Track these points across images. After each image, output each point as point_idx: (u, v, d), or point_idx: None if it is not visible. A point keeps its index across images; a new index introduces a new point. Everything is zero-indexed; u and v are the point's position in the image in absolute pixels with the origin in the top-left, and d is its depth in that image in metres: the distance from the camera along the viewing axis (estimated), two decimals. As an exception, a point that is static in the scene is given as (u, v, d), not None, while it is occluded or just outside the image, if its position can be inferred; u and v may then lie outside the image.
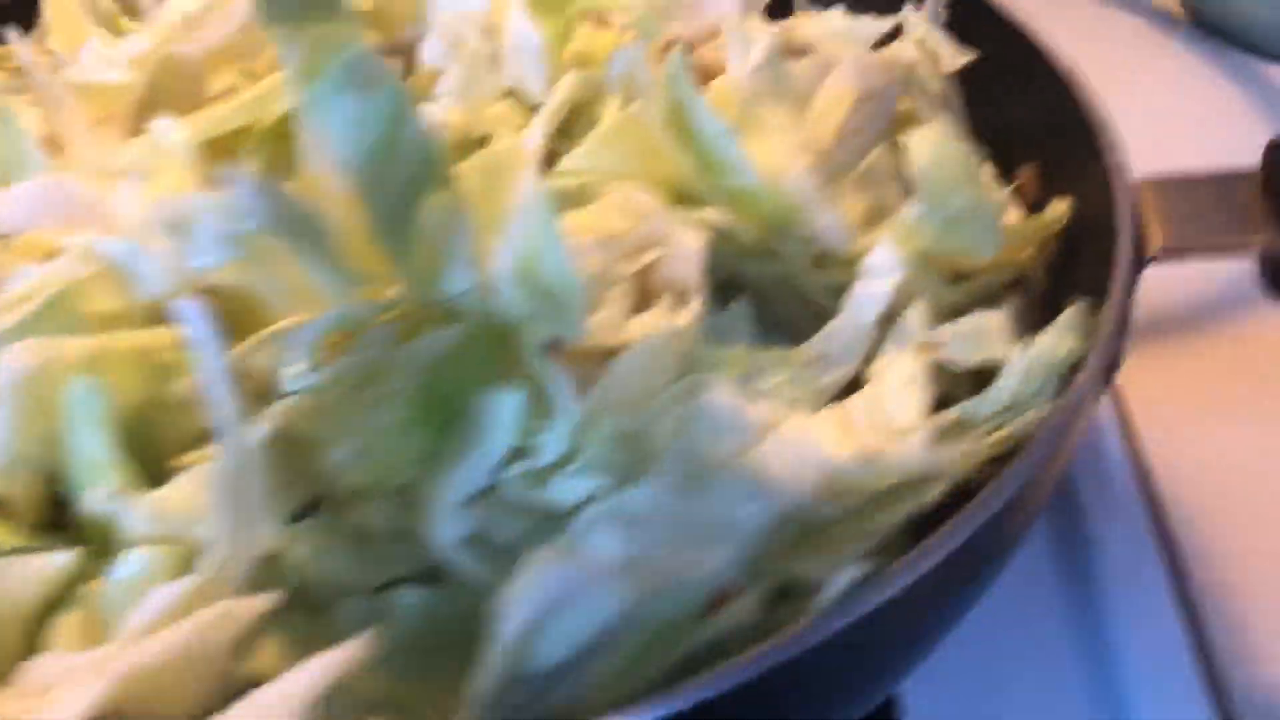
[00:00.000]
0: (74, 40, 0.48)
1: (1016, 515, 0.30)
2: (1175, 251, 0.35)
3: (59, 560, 0.28)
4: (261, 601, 0.26)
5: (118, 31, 0.49)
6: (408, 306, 0.33)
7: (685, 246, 0.35)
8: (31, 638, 0.28)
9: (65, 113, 0.39)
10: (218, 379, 0.26)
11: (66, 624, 0.28)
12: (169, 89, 0.41)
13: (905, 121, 0.45)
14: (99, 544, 0.29)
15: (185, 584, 0.26)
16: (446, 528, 0.30)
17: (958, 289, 0.37)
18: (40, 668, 0.26)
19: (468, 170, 0.34)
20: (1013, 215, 0.43)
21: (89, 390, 0.28)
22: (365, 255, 0.32)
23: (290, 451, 0.30)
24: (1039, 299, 0.40)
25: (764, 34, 0.41)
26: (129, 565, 0.27)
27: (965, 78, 0.47)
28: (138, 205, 0.32)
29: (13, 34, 0.45)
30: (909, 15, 0.46)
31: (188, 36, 0.43)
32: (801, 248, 0.37)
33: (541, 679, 0.25)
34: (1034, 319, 0.37)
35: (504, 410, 0.30)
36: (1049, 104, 0.42)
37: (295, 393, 0.29)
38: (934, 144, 0.35)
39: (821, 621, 0.26)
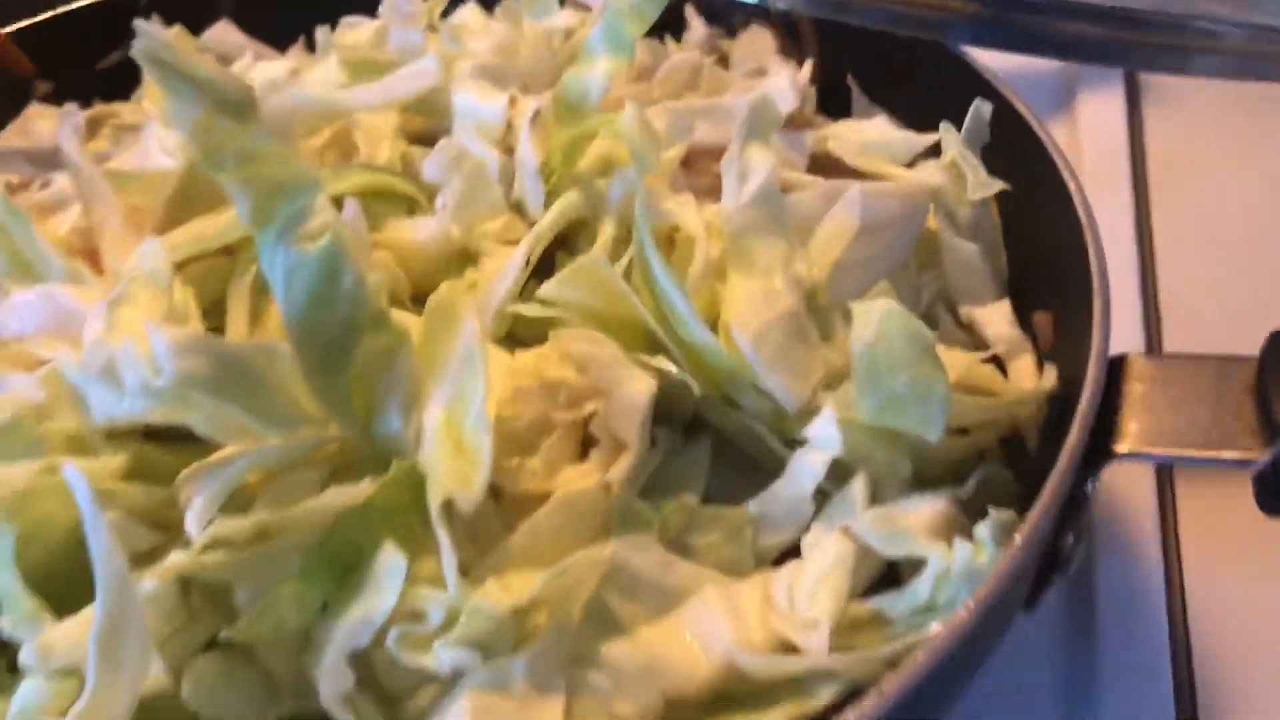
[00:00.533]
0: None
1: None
2: (1145, 454, 0.33)
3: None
4: None
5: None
6: (339, 448, 0.34)
7: (629, 398, 0.35)
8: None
9: (99, 203, 0.42)
10: (100, 536, 0.28)
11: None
12: (201, 184, 0.43)
13: (933, 247, 0.43)
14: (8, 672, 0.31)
15: None
16: (329, 681, 0.31)
17: (920, 457, 0.36)
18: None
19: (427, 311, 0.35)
20: (1024, 361, 0.41)
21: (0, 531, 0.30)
22: (304, 398, 0.34)
23: (194, 592, 0.32)
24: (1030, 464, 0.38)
25: (763, 160, 0.40)
26: (22, 696, 0.30)
27: (1004, 205, 0.44)
28: (98, 332, 0.34)
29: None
30: (947, 133, 0.44)
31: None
32: (760, 401, 0.37)
33: None
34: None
35: (390, 571, 0.31)
36: (1070, 252, 0.39)
37: (201, 540, 0.31)
38: (880, 318, 0.33)
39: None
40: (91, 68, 0.58)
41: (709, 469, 0.38)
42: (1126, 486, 0.48)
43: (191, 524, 0.31)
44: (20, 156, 0.53)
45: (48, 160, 0.52)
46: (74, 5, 0.59)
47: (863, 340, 0.33)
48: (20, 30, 0.58)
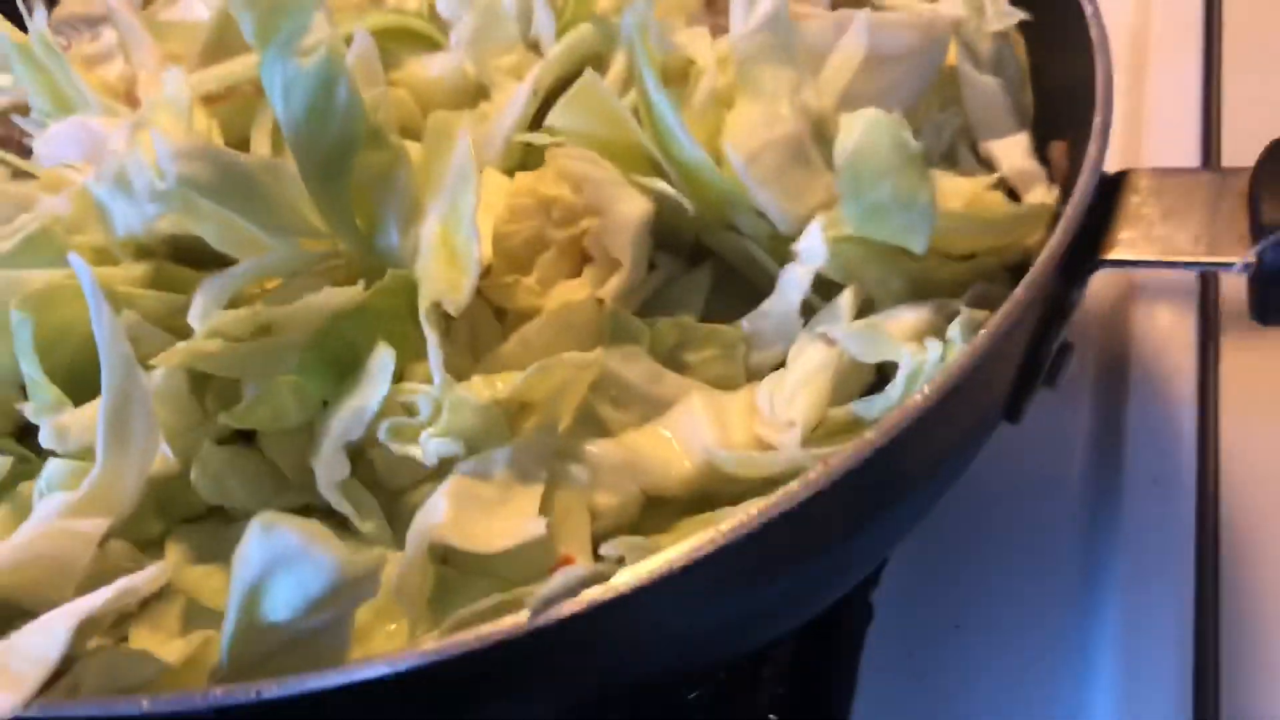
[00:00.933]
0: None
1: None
2: (1129, 260, 0.32)
3: (-2, 462, 0.33)
4: (96, 526, 0.30)
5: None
6: (345, 264, 0.36)
7: (623, 216, 0.36)
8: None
9: (139, 49, 0.44)
10: (103, 321, 0.30)
11: (2, 511, 0.33)
12: (236, 30, 0.45)
13: (952, 81, 0.43)
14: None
15: (67, 498, 0.30)
16: (325, 469, 0.33)
17: (916, 275, 0.36)
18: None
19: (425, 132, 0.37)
20: (1037, 192, 0.40)
21: (21, 321, 0.32)
22: (309, 212, 0.35)
23: (208, 391, 0.34)
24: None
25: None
26: (46, 474, 0.32)
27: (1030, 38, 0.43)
28: (121, 147, 0.36)
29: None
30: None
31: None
32: (758, 223, 0.37)
33: (282, 629, 0.28)
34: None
35: (381, 366, 0.32)
36: (1083, 77, 0.38)
37: (201, 333, 0.33)
38: (866, 126, 0.33)
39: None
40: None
41: (709, 293, 0.38)
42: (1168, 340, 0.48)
43: (194, 317, 0.33)
44: (80, 22, 0.55)
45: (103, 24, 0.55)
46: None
47: (846, 148, 0.33)
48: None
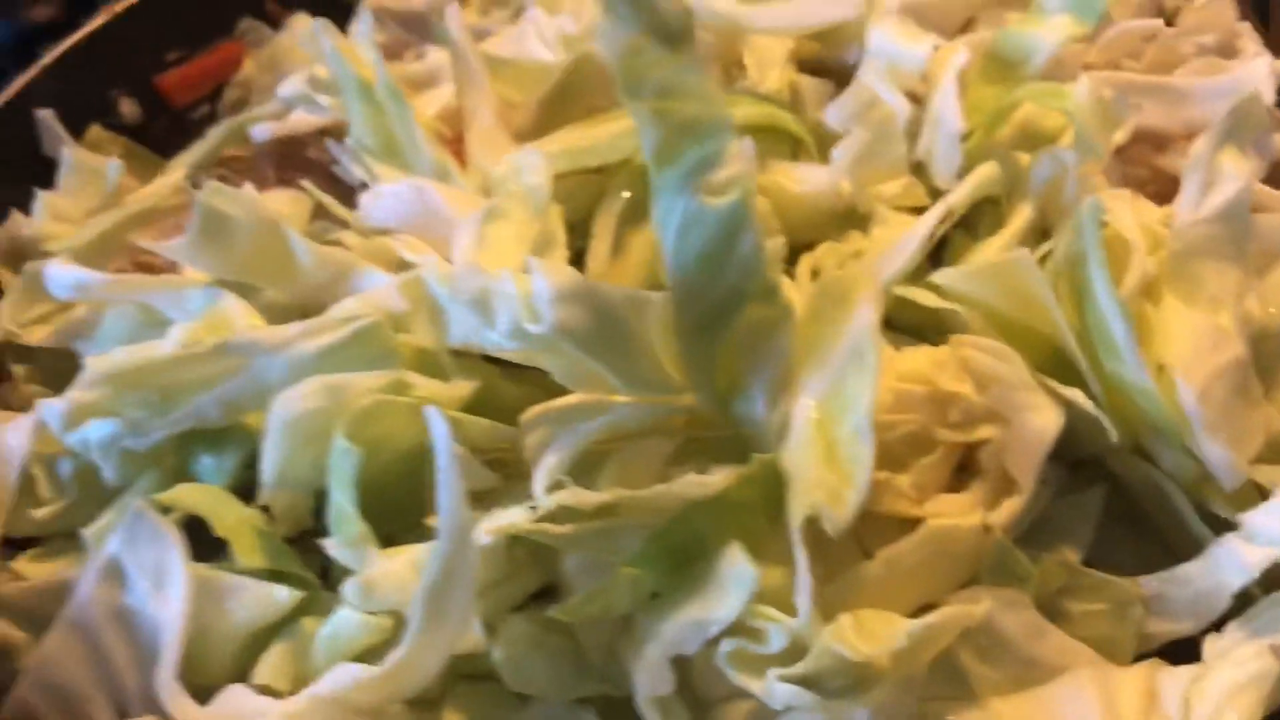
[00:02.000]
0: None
1: None
2: None
3: (282, 595, 0.29)
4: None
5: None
6: (690, 420, 0.31)
7: (1032, 432, 0.30)
8: (242, 657, 0.29)
9: (474, 91, 0.39)
10: (452, 487, 0.26)
11: (275, 653, 0.29)
12: (583, 82, 0.40)
13: None
14: (337, 576, 0.30)
15: (364, 675, 0.26)
16: (647, 681, 0.28)
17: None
18: (235, 698, 0.28)
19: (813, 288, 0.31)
20: None
21: (346, 451, 0.28)
22: (668, 360, 0.30)
23: (519, 546, 0.29)
24: None
25: (1238, 170, 0.33)
26: (334, 624, 0.28)
27: None
28: (468, 249, 0.31)
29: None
30: None
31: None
32: (1182, 459, 0.31)
33: None
34: None
35: (738, 580, 0.27)
36: None
37: (538, 505, 0.28)
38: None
39: None
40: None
41: (1098, 524, 0.32)
42: None
43: (539, 483, 0.28)
44: (392, 18, 0.51)
45: (419, 26, 0.50)
46: None
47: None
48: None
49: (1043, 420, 0.30)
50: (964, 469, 0.31)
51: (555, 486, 0.28)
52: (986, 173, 0.36)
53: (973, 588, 0.30)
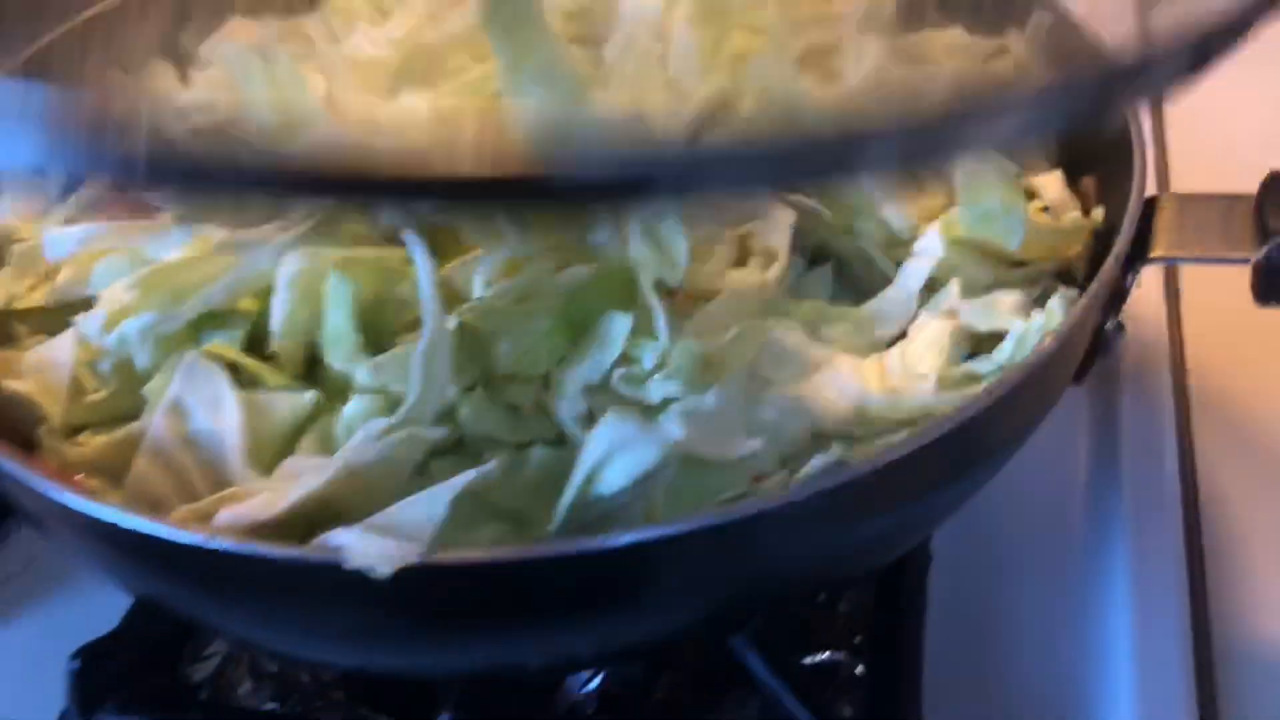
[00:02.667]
0: (349, 17, 0.62)
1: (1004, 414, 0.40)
2: (1170, 258, 0.44)
3: (307, 397, 0.41)
4: (435, 433, 0.38)
5: (383, 10, 0.63)
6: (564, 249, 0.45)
7: (776, 220, 0.46)
8: (285, 449, 0.41)
9: (339, 79, 0.53)
10: (428, 284, 0.39)
11: (307, 441, 0.41)
12: (416, 66, 0.54)
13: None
14: (335, 391, 0.42)
15: (390, 419, 0.39)
16: (568, 407, 0.42)
17: (1001, 272, 0.47)
18: (288, 465, 0.40)
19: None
20: (1070, 216, 0.52)
21: (340, 283, 0.41)
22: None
23: (470, 342, 0.42)
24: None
25: (876, 46, 0.51)
26: (353, 406, 0.41)
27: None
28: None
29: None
30: (1012, 37, 0.55)
31: (433, 26, 0.56)
32: (875, 228, 0.48)
33: (604, 502, 0.37)
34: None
35: (617, 328, 0.42)
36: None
37: (479, 299, 0.42)
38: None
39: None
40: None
41: (830, 288, 0.49)
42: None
43: (477, 284, 0.42)
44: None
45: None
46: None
47: (964, 167, 0.44)
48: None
49: (783, 213, 0.46)
50: (743, 254, 0.47)
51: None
52: (719, 79, 0.52)
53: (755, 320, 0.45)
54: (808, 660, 0.53)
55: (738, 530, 0.35)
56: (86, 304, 0.47)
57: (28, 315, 0.48)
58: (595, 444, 0.37)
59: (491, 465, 0.37)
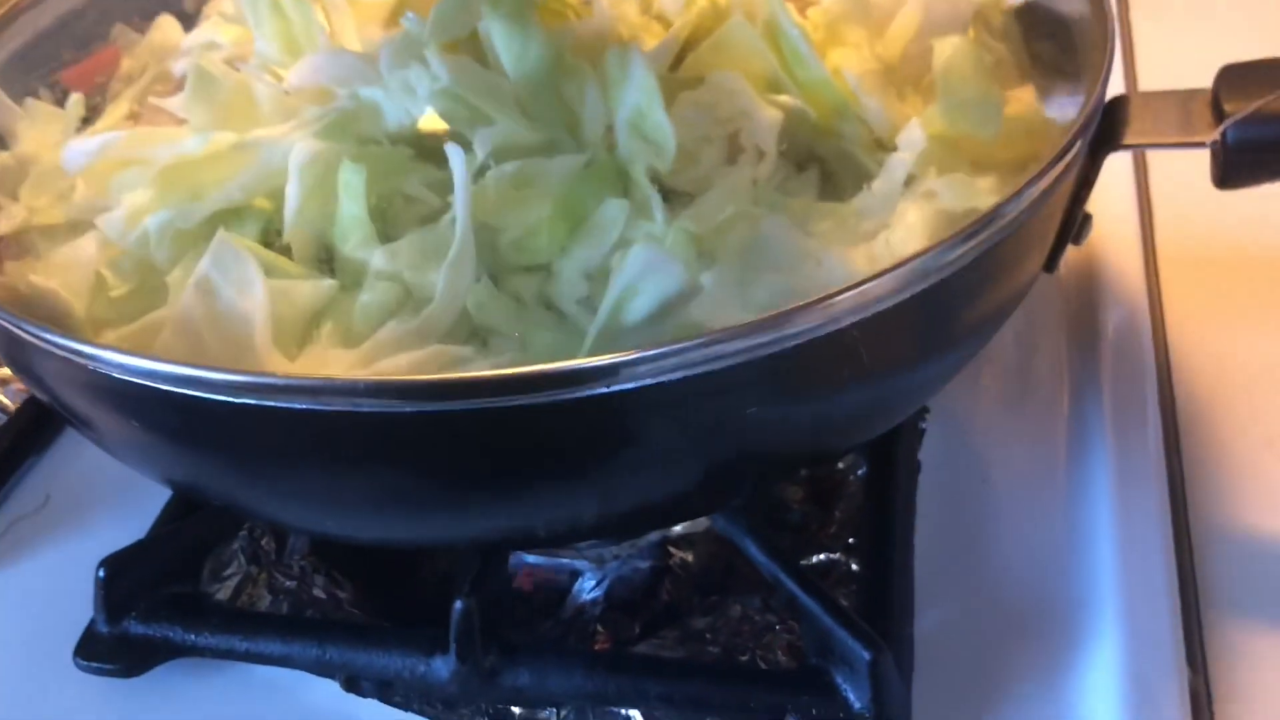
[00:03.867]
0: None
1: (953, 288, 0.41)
2: (1133, 145, 0.46)
3: (325, 285, 0.43)
4: (462, 351, 0.41)
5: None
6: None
7: (765, 119, 0.49)
8: (307, 333, 0.43)
9: (338, 14, 0.55)
10: (463, 198, 0.41)
11: (328, 328, 0.43)
12: (411, 3, 0.56)
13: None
14: (349, 279, 0.44)
15: (414, 323, 0.41)
16: (569, 290, 0.44)
17: (976, 165, 0.49)
18: (313, 354, 0.42)
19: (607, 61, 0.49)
20: (1039, 117, 0.54)
21: (354, 170, 0.43)
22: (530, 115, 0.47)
23: (478, 236, 0.45)
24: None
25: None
26: (369, 293, 0.43)
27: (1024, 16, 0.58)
28: (387, 66, 0.47)
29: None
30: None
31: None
32: (858, 130, 0.50)
33: (631, 332, 0.39)
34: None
35: (614, 213, 0.44)
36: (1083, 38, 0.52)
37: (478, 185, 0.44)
38: (954, 48, 0.47)
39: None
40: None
41: (817, 189, 0.51)
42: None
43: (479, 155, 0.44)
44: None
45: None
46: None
47: (942, 59, 0.46)
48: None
49: (770, 112, 0.49)
50: (733, 153, 0.49)
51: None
52: (699, 5, 0.54)
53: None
54: (805, 562, 0.55)
55: (725, 375, 0.37)
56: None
57: (47, 230, 0.49)
58: (626, 270, 0.39)
59: (510, 357, 0.39)
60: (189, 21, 0.64)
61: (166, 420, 0.40)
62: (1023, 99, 0.55)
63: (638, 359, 0.36)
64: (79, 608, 0.54)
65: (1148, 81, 0.75)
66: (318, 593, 0.56)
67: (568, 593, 0.56)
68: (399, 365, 0.39)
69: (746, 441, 0.41)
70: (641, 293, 0.39)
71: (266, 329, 0.41)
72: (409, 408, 0.36)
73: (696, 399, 0.38)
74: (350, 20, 0.55)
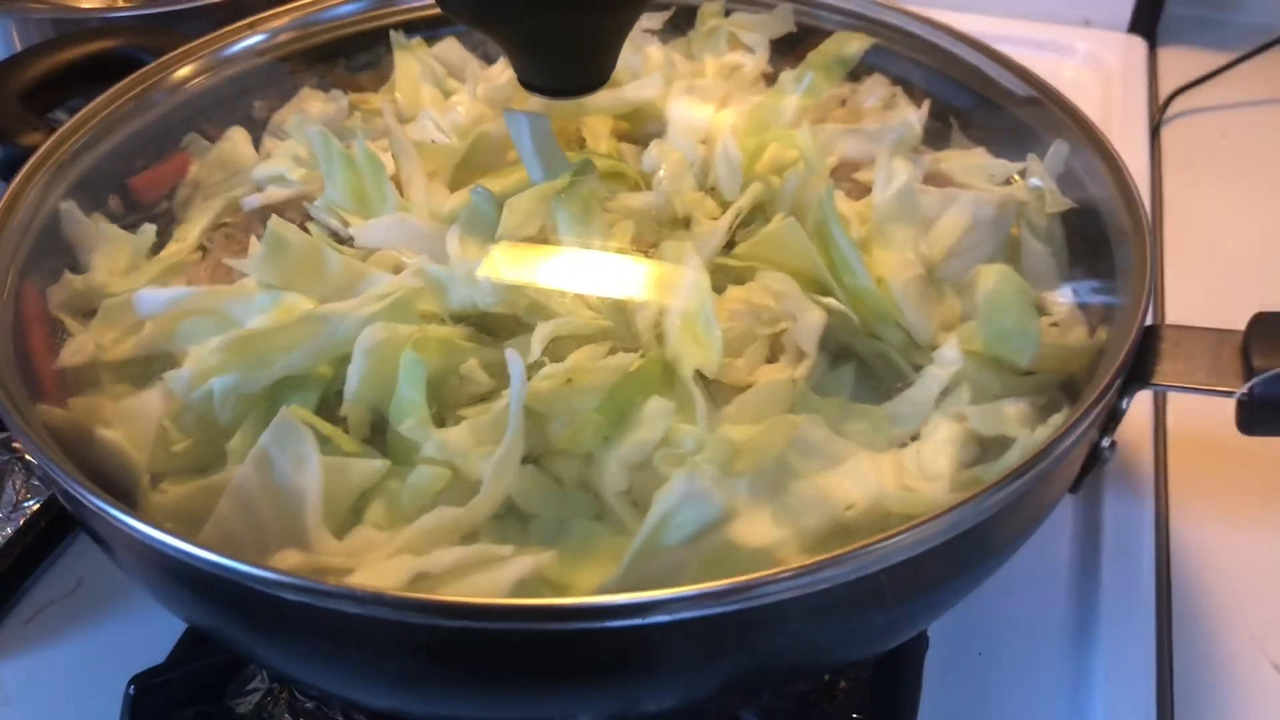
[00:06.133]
0: (412, 97, 0.66)
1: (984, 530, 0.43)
2: (1164, 385, 0.48)
3: (376, 465, 0.45)
4: (503, 550, 0.42)
5: (445, 92, 0.67)
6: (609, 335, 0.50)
7: (808, 321, 0.50)
8: (354, 510, 0.45)
9: (408, 163, 0.57)
10: (518, 399, 0.43)
11: (375, 506, 0.45)
12: (479, 156, 0.59)
13: (1015, 247, 0.59)
14: (398, 454, 0.46)
15: (459, 510, 0.43)
16: (611, 482, 0.46)
17: (1009, 383, 0.51)
18: (359, 535, 0.43)
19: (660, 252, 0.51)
20: (1077, 334, 0.56)
21: (416, 361, 0.45)
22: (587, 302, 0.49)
23: (527, 424, 0.47)
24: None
25: (903, 168, 0.56)
26: (418, 476, 0.45)
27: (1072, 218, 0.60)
28: (455, 248, 0.49)
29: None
30: (1032, 162, 0.59)
31: (494, 117, 0.61)
32: (897, 334, 0.52)
33: (667, 553, 0.41)
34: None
35: (660, 411, 0.46)
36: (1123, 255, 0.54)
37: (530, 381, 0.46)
38: (997, 276, 0.49)
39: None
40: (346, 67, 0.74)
41: (852, 385, 0.53)
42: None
43: (536, 351, 0.46)
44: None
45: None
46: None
47: (986, 289, 0.48)
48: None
49: (814, 315, 0.51)
50: (774, 351, 0.51)
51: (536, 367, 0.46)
52: (757, 188, 0.56)
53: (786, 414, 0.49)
54: (808, 732, 0.57)
55: (756, 612, 0.39)
56: (167, 357, 0.51)
57: (111, 364, 0.52)
58: (669, 495, 0.41)
59: (551, 555, 0.41)
60: (257, 128, 0.67)
61: (211, 597, 0.42)
62: (1059, 305, 0.57)
63: (671, 599, 0.38)
64: (105, 703, 0.56)
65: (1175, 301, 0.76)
66: (336, 715, 0.58)
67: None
68: (446, 564, 0.41)
69: (769, 662, 0.43)
70: (680, 519, 0.41)
71: (318, 507, 0.43)
72: (451, 623, 0.38)
73: (727, 632, 0.40)
74: (419, 170, 0.57)
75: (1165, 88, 0.98)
